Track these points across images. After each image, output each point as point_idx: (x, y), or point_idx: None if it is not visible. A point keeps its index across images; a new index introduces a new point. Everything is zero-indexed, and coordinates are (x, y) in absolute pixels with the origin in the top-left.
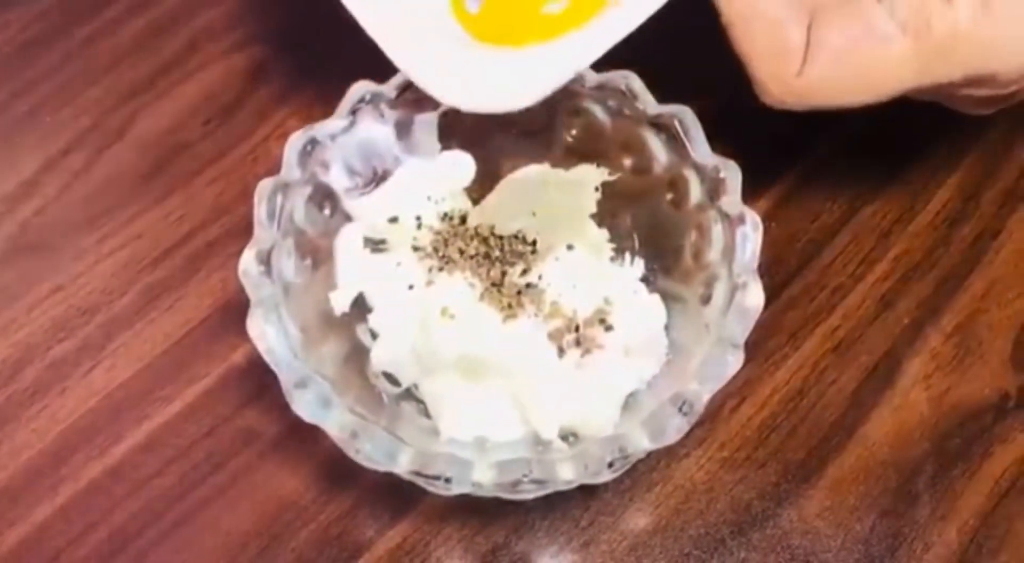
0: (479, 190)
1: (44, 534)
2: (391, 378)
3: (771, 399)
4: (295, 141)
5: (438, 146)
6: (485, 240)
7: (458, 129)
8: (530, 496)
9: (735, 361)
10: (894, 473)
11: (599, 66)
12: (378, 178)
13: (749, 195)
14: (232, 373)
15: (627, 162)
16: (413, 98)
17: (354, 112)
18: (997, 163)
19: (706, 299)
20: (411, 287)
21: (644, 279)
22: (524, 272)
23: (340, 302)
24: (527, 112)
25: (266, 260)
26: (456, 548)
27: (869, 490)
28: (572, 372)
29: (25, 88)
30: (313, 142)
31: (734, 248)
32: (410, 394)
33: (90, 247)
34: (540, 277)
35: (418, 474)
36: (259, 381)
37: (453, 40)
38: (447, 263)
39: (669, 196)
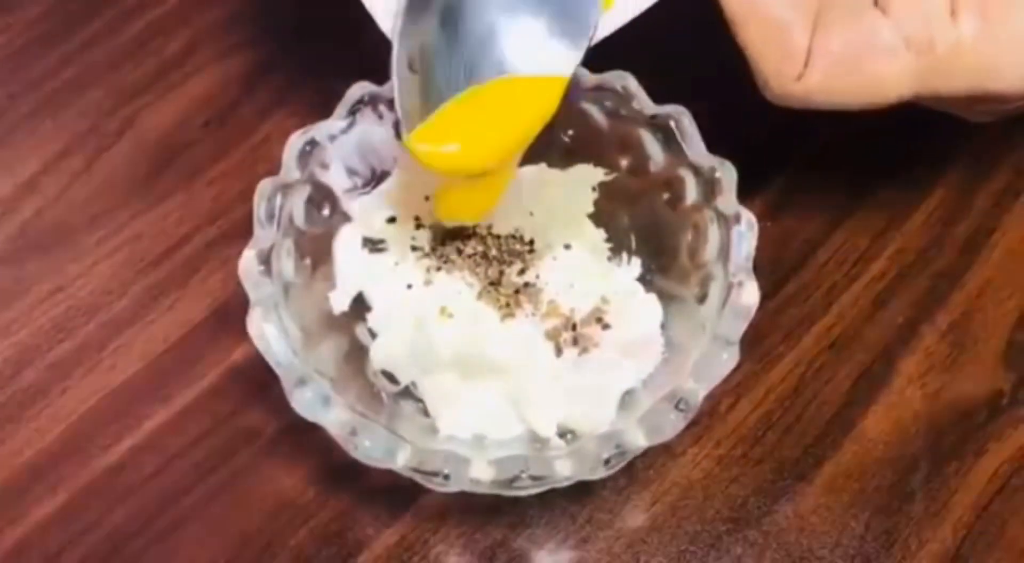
0: None
1: (44, 533)
2: (390, 377)
3: (767, 397)
4: (294, 142)
5: None
6: (483, 240)
7: None
8: (527, 493)
9: (731, 359)
10: (889, 470)
11: (596, 67)
12: (377, 178)
13: (744, 195)
14: (232, 373)
15: (624, 162)
16: None
17: (353, 113)
18: (991, 162)
19: (702, 298)
20: (410, 286)
21: (641, 278)
22: (522, 271)
23: (339, 302)
24: None
25: (266, 260)
26: (455, 545)
27: (864, 487)
28: (569, 370)
29: (25, 90)
30: (312, 143)
31: (730, 247)
32: (409, 392)
33: (90, 248)
34: (538, 276)
35: (417, 471)
36: (258, 380)
37: None
38: (445, 263)
39: (665, 196)
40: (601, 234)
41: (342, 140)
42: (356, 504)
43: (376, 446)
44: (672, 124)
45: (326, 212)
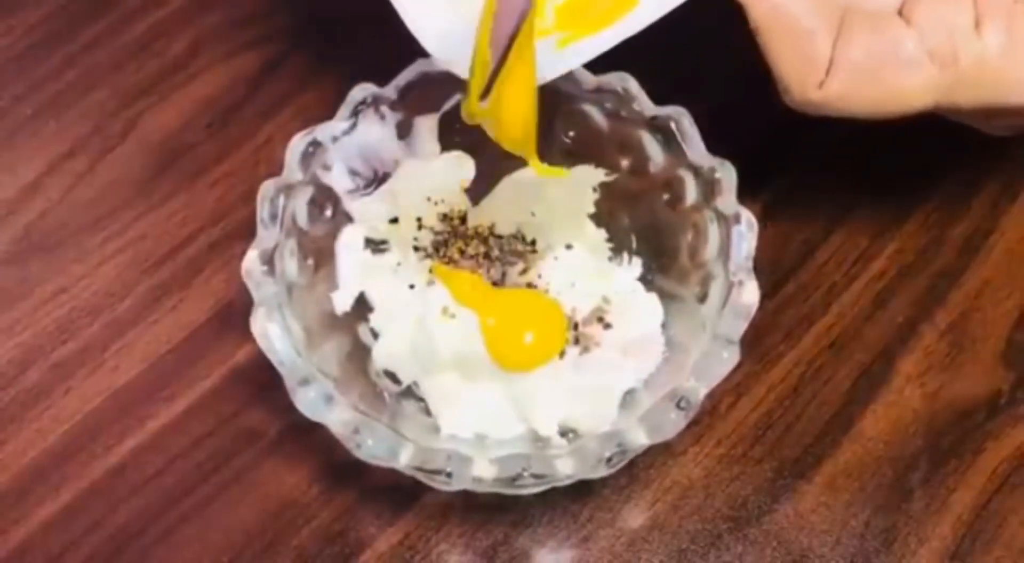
0: (479, 190)
1: (48, 533)
2: (392, 376)
3: (767, 396)
4: (297, 143)
5: (438, 147)
6: (485, 240)
7: (458, 130)
8: (529, 491)
9: (731, 358)
10: (889, 469)
11: (596, 68)
12: (379, 179)
13: (744, 195)
14: (234, 373)
15: (624, 163)
16: (414, 100)
17: (355, 114)
18: (991, 162)
19: (702, 297)
20: (412, 287)
21: (642, 278)
22: (524, 271)
23: (342, 302)
24: None
25: (269, 260)
26: (457, 544)
27: (864, 486)
28: (571, 370)
29: (28, 92)
30: (315, 144)
31: (730, 247)
32: (411, 392)
33: (93, 249)
34: (539, 276)
35: (419, 470)
36: (261, 380)
37: None
38: (447, 263)
39: (666, 196)
40: (602, 234)
41: (344, 141)
42: (358, 503)
43: (379, 445)
44: (672, 125)
45: (328, 213)
